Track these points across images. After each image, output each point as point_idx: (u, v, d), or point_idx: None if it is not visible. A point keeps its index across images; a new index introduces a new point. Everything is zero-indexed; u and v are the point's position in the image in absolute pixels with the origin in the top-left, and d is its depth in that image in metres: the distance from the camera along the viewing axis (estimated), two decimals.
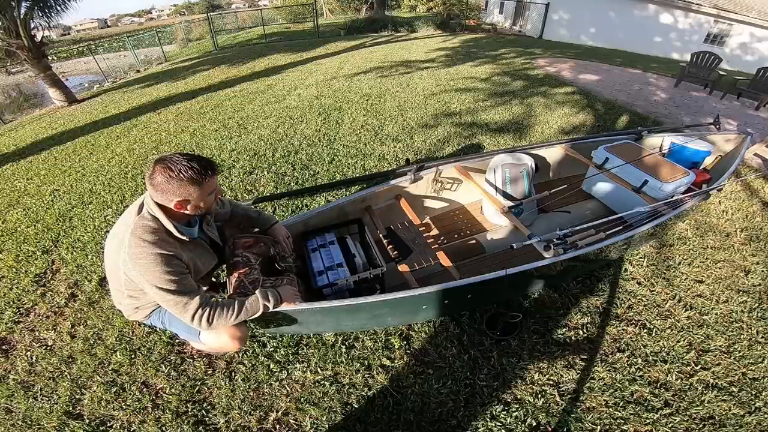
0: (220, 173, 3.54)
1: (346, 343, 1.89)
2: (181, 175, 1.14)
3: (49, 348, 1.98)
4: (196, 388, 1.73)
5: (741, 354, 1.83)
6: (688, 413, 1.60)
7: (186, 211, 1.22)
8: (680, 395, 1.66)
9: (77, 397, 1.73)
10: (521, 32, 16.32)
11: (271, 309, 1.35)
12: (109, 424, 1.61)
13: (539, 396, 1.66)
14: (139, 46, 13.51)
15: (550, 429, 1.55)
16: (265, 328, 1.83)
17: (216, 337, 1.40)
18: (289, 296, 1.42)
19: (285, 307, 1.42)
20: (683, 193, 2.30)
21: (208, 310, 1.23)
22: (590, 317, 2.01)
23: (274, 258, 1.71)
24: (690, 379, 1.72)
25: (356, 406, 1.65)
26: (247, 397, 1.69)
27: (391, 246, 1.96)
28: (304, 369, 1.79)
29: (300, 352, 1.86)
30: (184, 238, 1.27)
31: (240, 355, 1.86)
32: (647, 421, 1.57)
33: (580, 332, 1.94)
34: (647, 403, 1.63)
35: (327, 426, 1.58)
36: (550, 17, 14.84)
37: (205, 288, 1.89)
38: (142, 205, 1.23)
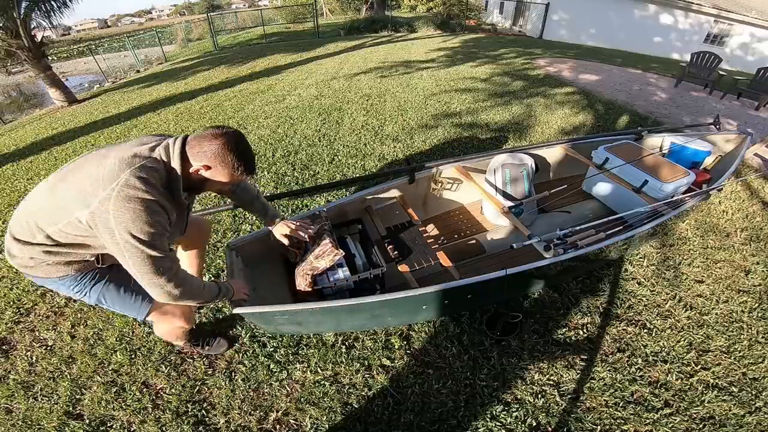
0: None
1: (346, 343, 1.89)
2: (234, 157, 1.11)
3: (49, 348, 1.98)
4: (196, 388, 1.73)
5: (741, 354, 1.83)
6: (688, 413, 1.60)
7: (197, 176, 1.15)
8: (680, 395, 1.66)
9: (77, 397, 1.73)
10: (521, 32, 16.32)
11: (218, 300, 1.35)
12: (109, 424, 1.61)
13: (539, 396, 1.66)
14: (139, 46, 13.51)
15: (550, 429, 1.55)
16: (266, 328, 1.84)
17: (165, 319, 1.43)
18: (239, 293, 1.45)
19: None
20: (683, 193, 2.31)
21: (177, 282, 1.14)
22: (590, 317, 2.01)
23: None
24: (690, 379, 1.72)
25: (356, 406, 1.65)
26: (247, 397, 1.69)
27: (391, 246, 1.96)
28: (304, 369, 1.79)
29: (300, 352, 1.86)
30: (181, 197, 1.18)
31: (240, 355, 1.86)
32: (647, 421, 1.57)
33: (580, 332, 1.94)
34: (647, 403, 1.63)
35: (327, 426, 1.58)
36: (550, 17, 14.84)
37: None
38: (153, 148, 1.11)
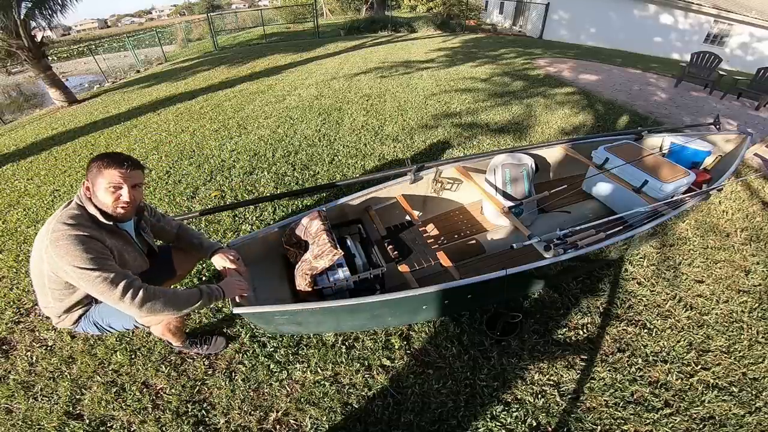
0: (220, 173, 3.55)
1: (346, 343, 1.89)
2: (94, 162, 1.25)
3: (49, 348, 1.98)
4: (196, 388, 1.73)
5: (741, 354, 1.83)
6: (688, 413, 1.60)
7: (90, 196, 1.28)
8: (680, 395, 1.66)
9: (77, 397, 1.73)
10: (521, 32, 16.32)
11: (210, 305, 1.41)
12: (109, 425, 1.61)
13: (539, 396, 1.66)
14: (139, 46, 13.50)
15: (550, 429, 1.55)
16: (266, 328, 1.84)
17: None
18: (233, 290, 1.46)
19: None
20: (683, 193, 2.30)
21: (141, 291, 1.22)
22: (590, 317, 2.01)
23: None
24: (690, 379, 1.72)
25: (356, 406, 1.64)
26: (247, 397, 1.68)
27: (391, 246, 1.96)
28: (304, 369, 1.78)
29: (300, 352, 1.86)
30: (108, 223, 1.30)
31: (240, 355, 1.86)
32: (647, 421, 1.57)
33: (580, 332, 1.94)
34: (647, 403, 1.63)
35: (327, 426, 1.58)
36: (550, 17, 14.85)
37: None
38: (70, 201, 1.30)
